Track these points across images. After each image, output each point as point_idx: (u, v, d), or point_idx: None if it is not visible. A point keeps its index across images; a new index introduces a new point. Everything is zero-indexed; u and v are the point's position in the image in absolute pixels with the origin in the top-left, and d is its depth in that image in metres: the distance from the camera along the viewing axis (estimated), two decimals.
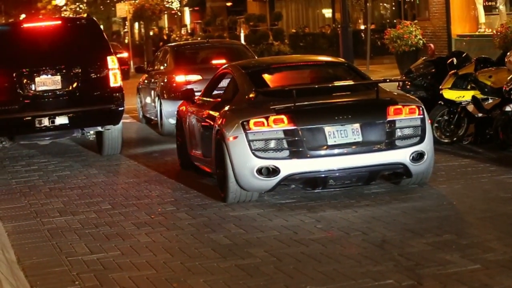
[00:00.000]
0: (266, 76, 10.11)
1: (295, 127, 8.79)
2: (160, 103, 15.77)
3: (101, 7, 49.14)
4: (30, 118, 12.62)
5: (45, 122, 12.66)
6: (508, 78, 11.54)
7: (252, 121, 8.83)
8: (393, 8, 37.21)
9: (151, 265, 6.99)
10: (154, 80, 16.78)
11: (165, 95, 15.63)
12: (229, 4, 48.31)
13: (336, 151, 8.86)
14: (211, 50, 17.34)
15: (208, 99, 10.84)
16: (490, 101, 12.04)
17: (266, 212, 8.71)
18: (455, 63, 12.77)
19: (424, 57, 15.92)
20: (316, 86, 9.65)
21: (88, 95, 12.83)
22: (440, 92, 12.23)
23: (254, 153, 8.80)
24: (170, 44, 18.85)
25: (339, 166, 8.90)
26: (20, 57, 12.81)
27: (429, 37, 24.39)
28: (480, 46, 21.64)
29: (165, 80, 15.89)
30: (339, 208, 8.66)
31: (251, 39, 35.13)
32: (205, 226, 8.30)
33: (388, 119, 8.97)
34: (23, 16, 58.02)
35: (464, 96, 12.10)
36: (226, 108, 9.49)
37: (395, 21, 32.00)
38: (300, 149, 8.79)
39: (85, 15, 16.82)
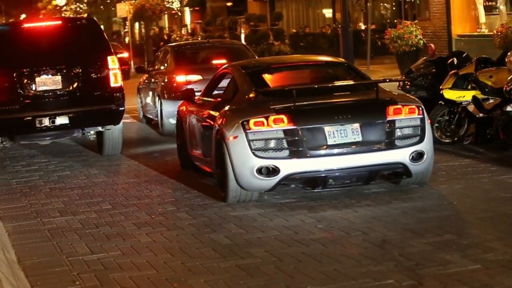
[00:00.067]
0: (266, 76, 10.12)
1: (295, 127, 8.79)
2: (161, 103, 15.77)
3: (102, 7, 49.15)
4: (30, 118, 12.62)
5: (46, 122, 12.66)
6: (509, 78, 11.54)
7: (252, 121, 8.84)
8: (394, 8, 37.22)
9: (152, 265, 6.99)
10: (154, 80, 16.79)
11: (165, 95, 15.63)
12: (229, 4, 48.31)
13: (335, 150, 8.87)
14: (212, 50, 17.34)
15: (208, 99, 10.84)
16: (491, 101, 12.04)
17: (267, 212, 8.71)
18: (455, 63, 12.77)
19: (424, 57, 15.91)
20: (316, 86, 9.65)
21: (89, 95, 12.83)
22: (441, 92, 12.23)
23: (254, 153, 8.80)
24: (170, 44, 18.85)
25: (339, 165, 8.91)
26: (21, 57, 12.81)
27: (430, 37, 24.39)
28: (480, 46, 21.64)
29: (166, 80, 15.90)
30: (340, 208, 8.66)
31: (252, 39, 35.14)
32: (205, 226, 8.31)
33: (388, 119, 8.98)
34: (23, 16, 58.01)
35: (465, 96, 12.10)
36: (226, 108, 9.49)
37: (395, 21, 32.01)
38: (300, 148, 8.80)
39: (85, 15, 16.81)
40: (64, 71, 12.76)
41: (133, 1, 39.92)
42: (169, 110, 15.07)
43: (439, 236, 7.29)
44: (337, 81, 9.86)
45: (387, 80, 11.02)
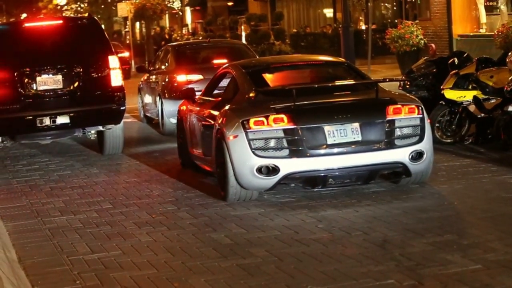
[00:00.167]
0: (266, 76, 10.13)
1: (295, 126, 8.80)
2: (161, 103, 15.77)
3: (102, 6, 49.13)
4: (31, 117, 12.62)
5: (47, 121, 12.66)
6: (510, 78, 11.53)
7: (252, 120, 8.84)
8: (394, 8, 37.21)
9: (152, 265, 6.99)
10: (155, 80, 16.79)
11: (166, 94, 15.64)
12: (230, 3, 48.30)
13: (335, 150, 8.87)
14: (212, 49, 17.35)
15: (208, 98, 10.85)
16: (492, 101, 12.03)
17: (267, 212, 8.71)
18: (456, 63, 12.77)
19: (425, 57, 15.91)
20: (316, 86, 9.66)
21: (90, 94, 12.84)
22: (442, 92, 12.23)
23: (254, 152, 8.81)
24: (171, 44, 18.85)
25: (339, 165, 8.91)
26: (22, 56, 12.81)
27: (430, 37, 24.38)
28: (481, 46, 21.63)
29: (166, 80, 15.90)
30: (340, 207, 8.66)
31: (252, 38, 35.13)
32: (206, 225, 8.31)
33: (388, 118, 8.98)
34: (24, 15, 58.02)
35: (466, 96, 12.09)
36: (227, 107, 9.50)
37: (396, 21, 31.99)
38: (300, 148, 8.80)
39: (86, 14, 16.81)
40: (65, 70, 12.76)
41: (134, 1, 39.91)
42: (170, 110, 15.07)
43: (439, 236, 7.29)
44: (337, 81, 9.86)
45: (387, 80, 11.04)
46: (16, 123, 12.69)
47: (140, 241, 7.84)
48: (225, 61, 14.68)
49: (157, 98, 16.15)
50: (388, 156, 8.98)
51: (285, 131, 8.81)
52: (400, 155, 9.01)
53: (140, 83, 18.53)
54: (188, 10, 53.46)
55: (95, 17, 14.59)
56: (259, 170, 8.82)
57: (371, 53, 26.83)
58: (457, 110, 12.18)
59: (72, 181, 11.36)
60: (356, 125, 8.93)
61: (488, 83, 11.98)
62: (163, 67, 16.82)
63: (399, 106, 9.07)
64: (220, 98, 10.42)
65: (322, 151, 8.85)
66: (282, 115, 8.83)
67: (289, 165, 8.82)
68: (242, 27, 38.21)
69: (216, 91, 11.22)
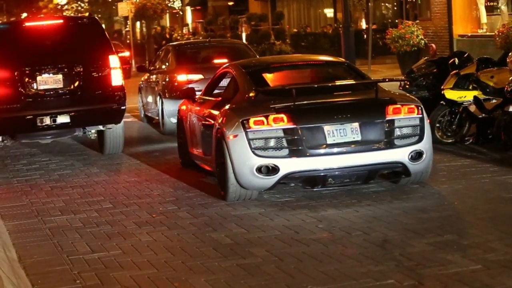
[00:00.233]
0: (266, 75, 10.14)
1: (295, 126, 8.80)
2: (162, 102, 15.78)
3: (103, 6, 49.13)
4: (31, 117, 12.62)
5: (47, 121, 12.66)
6: (510, 78, 11.53)
7: (252, 120, 8.85)
8: (395, 8, 37.21)
9: (152, 264, 6.99)
10: (155, 79, 16.80)
11: (166, 94, 15.64)
12: (231, 3, 48.30)
13: (335, 150, 8.88)
14: (213, 49, 17.36)
15: (208, 98, 10.85)
16: (492, 101, 12.03)
17: (268, 212, 8.71)
18: (456, 63, 12.76)
19: (426, 57, 15.90)
20: (316, 86, 9.67)
21: (90, 94, 12.83)
22: (442, 92, 12.23)
23: (254, 152, 8.82)
24: (171, 43, 18.85)
25: (338, 164, 8.92)
26: (22, 56, 12.81)
27: (431, 37, 24.38)
28: (481, 46, 21.63)
29: (167, 79, 15.90)
30: (340, 207, 8.66)
31: (253, 38, 35.13)
32: (206, 225, 8.31)
33: (387, 118, 8.99)
34: (24, 15, 58.02)
35: (466, 96, 12.09)
36: (227, 107, 9.50)
37: (396, 21, 31.99)
38: (300, 147, 8.81)
39: (86, 14, 16.81)
40: (66, 70, 12.76)
41: (135, 0, 39.92)
42: (170, 109, 15.08)
43: (440, 236, 7.29)
44: (337, 81, 9.87)
45: (387, 80, 11.04)
46: (17, 123, 12.69)
47: (140, 240, 7.84)
48: (225, 60, 14.69)
49: (158, 97, 16.15)
50: (388, 156, 8.99)
51: (285, 130, 8.82)
52: (400, 155, 9.01)
53: (141, 82, 18.53)
54: (188, 9, 53.47)
55: (96, 17, 14.58)
56: (259, 169, 8.83)
57: (371, 53, 26.84)
58: (458, 110, 12.18)
59: (72, 181, 11.36)
60: (355, 125, 8.93)
61: (488, 83, 11.98)
62: (163, 66, 16.82)
63: (398, 106, 9.07)
64: (220, 98, 10.43)
65: (321, 151, 8.86)
66: (282, 115, 8.83)
67: (288, 165, 8.82)
68: (243, 27, 38.21)
69: (216, 91, 11.23)
